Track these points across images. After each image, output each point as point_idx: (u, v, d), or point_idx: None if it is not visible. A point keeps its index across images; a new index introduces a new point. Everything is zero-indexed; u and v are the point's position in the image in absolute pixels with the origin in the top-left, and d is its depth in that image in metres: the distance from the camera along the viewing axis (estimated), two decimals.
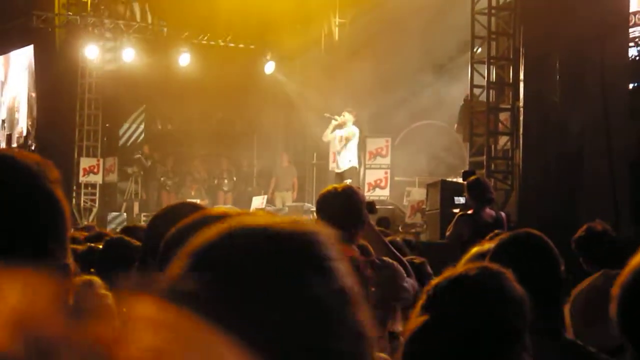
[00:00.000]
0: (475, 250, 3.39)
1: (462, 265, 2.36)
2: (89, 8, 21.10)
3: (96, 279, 2.92)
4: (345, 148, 17.52)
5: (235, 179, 22.45)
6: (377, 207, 11.88)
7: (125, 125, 22.89)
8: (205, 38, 21.71)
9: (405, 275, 4.53)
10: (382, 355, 2.94)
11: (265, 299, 1.10)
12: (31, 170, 1.54)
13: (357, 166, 17.83)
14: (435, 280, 2.16)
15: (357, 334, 1.15)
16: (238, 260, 1.13)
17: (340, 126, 17.57)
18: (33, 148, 22.09)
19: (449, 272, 2.17)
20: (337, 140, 17.71)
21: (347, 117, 17.59)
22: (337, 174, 17.51)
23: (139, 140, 23.01)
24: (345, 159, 17.51)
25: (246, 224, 1.18)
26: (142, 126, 23.27)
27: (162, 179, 21.83)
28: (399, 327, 4.41)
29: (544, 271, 2.97)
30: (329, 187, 4.73)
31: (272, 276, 1.12)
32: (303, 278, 1.13)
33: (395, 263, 4.54)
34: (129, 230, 5.51)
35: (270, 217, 1.22)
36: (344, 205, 4.48)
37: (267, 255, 1.14)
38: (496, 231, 5.25)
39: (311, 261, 1.15)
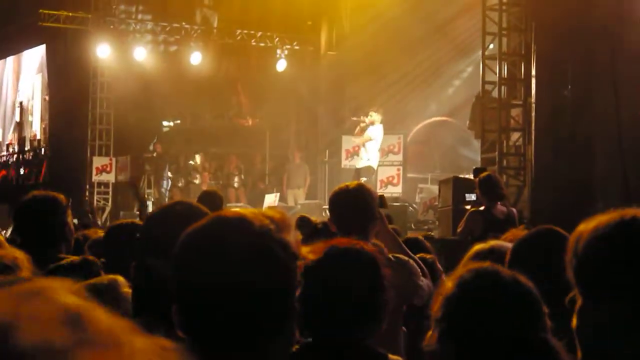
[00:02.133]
0: (477, 247, 3.39)
1: (465, 263, 2.37)
2: (100, 7, 21.14)
3: (120, 278, 2.95)
4: (364, 146, 17.61)
5: (243, 176, 22.44)
6: (390, 204, 11.78)
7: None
8: (220, 36, 21.74)
9: (420, 273, 4.51)
10: (395, 357, 2.92)
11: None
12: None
13: (374, 166, 17.85)
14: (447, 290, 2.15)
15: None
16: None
17: (371, 125, 17.65)
18: (44, 152, 22.19)
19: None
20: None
21: (375, 117, 17.63)
22: (356, 169, 17.72)
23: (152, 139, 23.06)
24: (364, 157, 17.59)
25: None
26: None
27: (170, 175, 21.87)
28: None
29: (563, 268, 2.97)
30: (341, 184, 4.74)
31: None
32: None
33: (410, 261, 4.52)
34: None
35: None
36: (355, 203, 4.49)
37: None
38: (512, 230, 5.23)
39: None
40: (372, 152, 17.64)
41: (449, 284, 2.13)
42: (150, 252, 2.39)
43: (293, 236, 1.81)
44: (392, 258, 4.42)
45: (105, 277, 3.04)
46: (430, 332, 2.12)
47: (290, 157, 22.35)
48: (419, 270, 4.49)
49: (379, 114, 17.69)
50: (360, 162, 17.76)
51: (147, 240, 2.49)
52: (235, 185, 22.14)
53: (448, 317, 2.07)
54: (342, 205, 4.53)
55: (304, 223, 6.88)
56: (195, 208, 2.53)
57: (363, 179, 16.42)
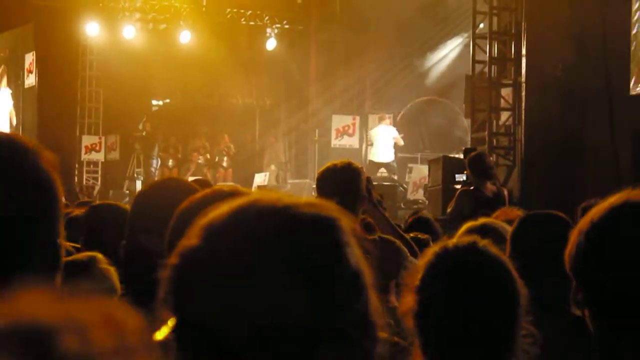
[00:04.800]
0: (468, 225, 3.38)
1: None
2: None
3: (99, 255, 2.93)
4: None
5: (232, 155, 22.44)
6: (379, 183, 11.81)
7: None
8: (210, 14, 21.65)
9: (407, 254, 4.50)
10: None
11: (274, 272, 1.12)
12: (27, 153, 1.47)
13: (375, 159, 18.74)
14: (424, 261, 2.14)
15: (364, 321, 1.18)
16: (255, 232, 1.14)
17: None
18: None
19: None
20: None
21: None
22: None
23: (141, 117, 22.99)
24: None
25: (268, 200, 1.19)
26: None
27: (159, 155, 21.86)
28: (394, 302, 4.41)
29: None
30: (329, 163, 4.72)
31: (287, 253, 1.13)
32: (316, 258, 1.15)
33: (397, 242, 4.50)
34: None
35: (292, 197, 1.22)
36: (342, 181, 4.46)
37: (286, 231, 1.15)
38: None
39: (327, 244, 1.17)
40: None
41: (428, 254, 2.13)
42: (141, 229, 2.37)
43: None
44: (378, 238, 4.41)
45: (84, 254, 3.03)
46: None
47: (279, 136, 22.45)
48: (405, 250, 4.48)
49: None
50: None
51: (137, 216, 2.47)
52: (225, 165, 22.12)
53: (418, 288, 2.07)
54: (328, 184, 4.51)
55: None
56: (186, 184, 2.52)
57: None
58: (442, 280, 2.07)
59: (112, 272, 2.79)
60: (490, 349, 2.05)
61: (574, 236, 1.90)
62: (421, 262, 2.13)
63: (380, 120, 18.98)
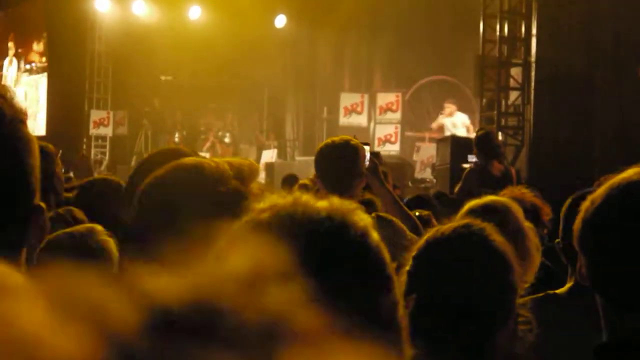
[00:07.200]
0: (471, 204, 3.33)
1: (457, 219, 2.31)
2: None
3: (98, 227, 2.91)
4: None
5: (234, 133, 22.38)
6: (387, 161, 11.75)
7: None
8: None
9: (407, 233, 4.44)
10: None
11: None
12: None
13: None
14: (417, 245, 2.09)
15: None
16: None
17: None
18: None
19: (429, 234, 2.11)
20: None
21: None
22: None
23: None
24: None
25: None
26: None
27: (166, 130, 21.89)
28: None
29: None
30: (328, 139, 4.68)
31: None
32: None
33: (395, 220, 4.43)
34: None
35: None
36: (339, 158, 4.41)
37: None
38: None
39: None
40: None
41: (422, 239, 2.09)
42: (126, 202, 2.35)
43: (255, 183, 1.78)
44: (375, 216, 4.35)
45: (83, 226, 3.01)
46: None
47: (287, 114, 22.37)
48: (404, 228, 4.41)
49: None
50: None
51: (127, 189, 2.44)
52: (227, 141, 22.07)
53: (410, 274, 2.03)
54: (326, 160, 4.46)
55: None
56: (182, 154, 2.48)
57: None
58: (429, 269, 2.03)
59: (112, 243, 2.77)
60: (475, 340, 2.00)
61: (580, 213, 1.88)
62: (416, 245, 2.09)
63: None
